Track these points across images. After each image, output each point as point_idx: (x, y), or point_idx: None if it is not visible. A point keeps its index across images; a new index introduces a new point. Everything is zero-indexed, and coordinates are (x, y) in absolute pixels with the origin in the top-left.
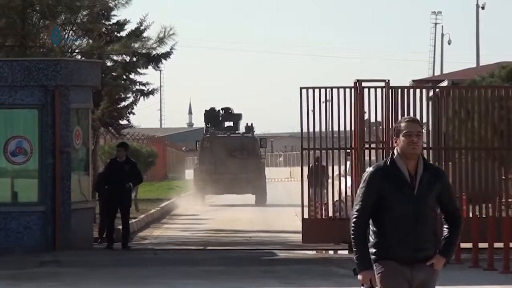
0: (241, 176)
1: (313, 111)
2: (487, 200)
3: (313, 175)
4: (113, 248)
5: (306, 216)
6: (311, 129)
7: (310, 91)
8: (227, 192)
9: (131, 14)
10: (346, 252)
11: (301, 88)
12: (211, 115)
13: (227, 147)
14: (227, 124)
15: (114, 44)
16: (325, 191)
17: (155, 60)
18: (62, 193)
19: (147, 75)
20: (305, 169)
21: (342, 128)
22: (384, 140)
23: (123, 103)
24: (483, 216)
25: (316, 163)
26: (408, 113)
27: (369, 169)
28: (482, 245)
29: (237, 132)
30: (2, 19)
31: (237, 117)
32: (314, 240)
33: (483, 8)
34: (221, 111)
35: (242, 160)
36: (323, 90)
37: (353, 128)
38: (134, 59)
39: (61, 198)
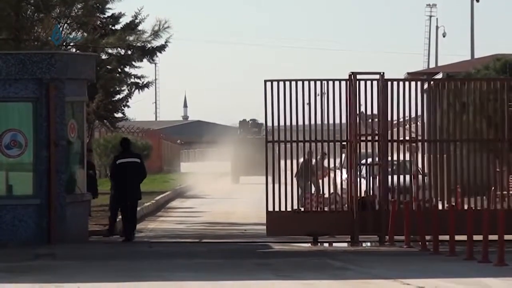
0: (262, 163)
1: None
2: (482, 192)
3: (303, 169)
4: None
5: (270, 209)
6: (275, 122)
7: (275, 83)
8: (253, 174)
9: (126, 7)
10: (345, 244)
11: (265, 81)
12: (243, 123)
13: (253, 145)
14: (253, 130)
15: (109, 37)
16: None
17: (150, 53)
18: (57, 186)
19: (142, 68)
20: (270, 162)
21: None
22: (379, 132)
23: (118, 96)
24: (478, 208)
25: (307, 158)
26: (403, 106)
27: None
28: (477, 237)
29: (260, 135)
30: None
31: (260, 125)
32: (278, 233)
33: (477, 0)
34: (250, 121)
35: (263, 154)
36: (287, 83)
37: (347, 121)
38: (129, 52)
39: (56, 191)
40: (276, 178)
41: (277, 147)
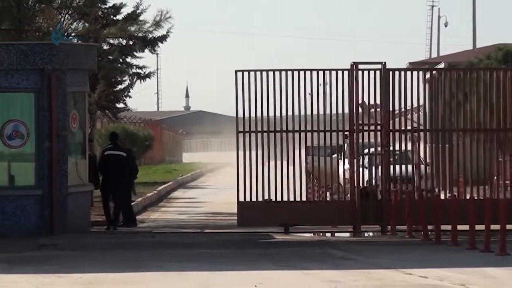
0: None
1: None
2: (484, 182)
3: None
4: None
5: (241, 199)
6: (246, 113)
7: (246, 74)
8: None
9: None
10: (347, 234)
11: (236, 71)
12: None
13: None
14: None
15: (111, 27)
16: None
17: (151, 43)
18: (59, 177)
19: (144, 59)
20: (241, 153)
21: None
22: (381, 122)
23: (120, 86)
24: (480, 198)
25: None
26: (405, 96)
27: None
28: (479, 227)
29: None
30: None
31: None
32: (249, 223)
33: None
34: None
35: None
36: (258, 73)
37: (349, 111)
38: (131, 42)
39: (58, 182)
40: (247, 169)
41: (248, 137)
